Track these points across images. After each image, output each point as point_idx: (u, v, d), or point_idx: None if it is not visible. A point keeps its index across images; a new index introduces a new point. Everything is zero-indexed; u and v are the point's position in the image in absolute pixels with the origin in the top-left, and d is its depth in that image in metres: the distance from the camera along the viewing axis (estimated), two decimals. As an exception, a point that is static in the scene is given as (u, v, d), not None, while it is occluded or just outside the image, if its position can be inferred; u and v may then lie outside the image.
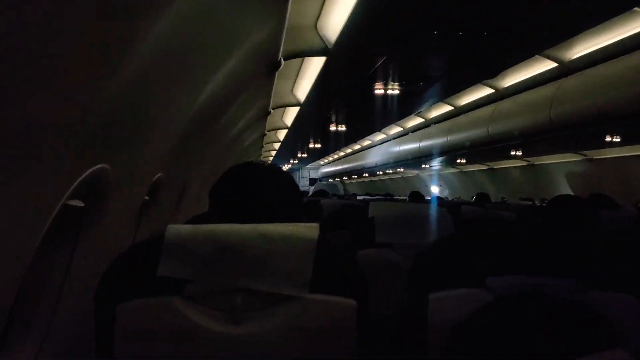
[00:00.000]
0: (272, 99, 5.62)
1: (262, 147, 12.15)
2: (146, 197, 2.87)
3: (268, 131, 9.50)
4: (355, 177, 26.57)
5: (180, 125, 2.70)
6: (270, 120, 7.95)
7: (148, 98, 1.91)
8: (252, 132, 7.64)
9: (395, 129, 16.19)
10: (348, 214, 3.56)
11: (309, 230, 0.91)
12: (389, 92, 6.55)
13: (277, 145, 14.82)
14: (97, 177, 1.77)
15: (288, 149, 17.03)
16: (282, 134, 11.91)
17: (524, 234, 1.35)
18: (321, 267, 0.91)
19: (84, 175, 1.64)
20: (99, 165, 1.77)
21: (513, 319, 0.82)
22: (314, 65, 5.19)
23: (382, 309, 1.62)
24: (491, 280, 1.07)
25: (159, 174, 2.89)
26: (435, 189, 18.50)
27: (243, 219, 0.93)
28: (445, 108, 11.56)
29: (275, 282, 0.87)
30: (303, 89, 6.48)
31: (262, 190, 1.05)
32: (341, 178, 29.28)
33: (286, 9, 2.61)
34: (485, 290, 1.05)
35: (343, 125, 11.12)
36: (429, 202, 5.23)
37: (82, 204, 1.83)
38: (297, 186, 1.17)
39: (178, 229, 0.90)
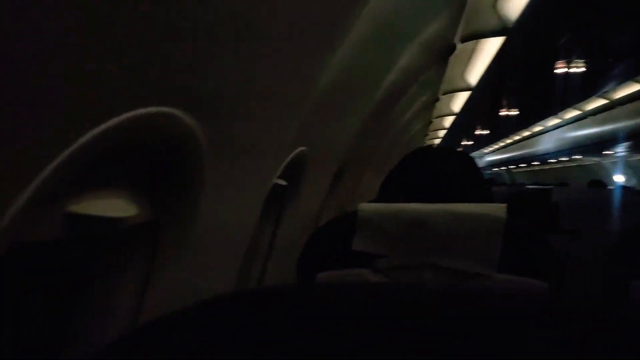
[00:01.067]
0: (441, 85, 5.58)
1: (427, 135, 12.05)
2: (331, 181, 3.13)
3: (434, 118, 9.39)
4: (524, 165, 24.95)
5: (361, 116, 2.88)
6: (438, 107, 7.87)
7: (342, 89, 2.10)
8: (420, 120, 7.64)
9: (571, 113, 14.84)
10: (520, 201, 3.46)
11: (498, 209, 0.91)
12: (572, 70, 6.01)
13: (441, 133, 14.55)
14: (297, 159, 2.01)
15: (453, 136, 16.63)
16: (447, 121, 11.68)
17: None
18: (511, 247, 0.96)
19: (289, 157, 1.89)
20: (299, 149, 2.00)
21: None
22: (489, 47, 5.02)
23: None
24: None
25: (343, 160, 3.12)
26: (619, 178, 16.63)
27: (428, 198, 0.97)
28: (635, 87, 10.31)
29: (462, 260, 0.87)
30: (475, 73, 6.28)
31: (447, 171, 1.08)
32: (507, 167, 27.66)
33: (466, -6, 2.63)
34: None
35: (515, 110, 10.51)
36: (611, 191, 4.79)
37: (285, 183, 2.09)
38: (479, 169, 1.20)
39: (369, 206, 0.96)
